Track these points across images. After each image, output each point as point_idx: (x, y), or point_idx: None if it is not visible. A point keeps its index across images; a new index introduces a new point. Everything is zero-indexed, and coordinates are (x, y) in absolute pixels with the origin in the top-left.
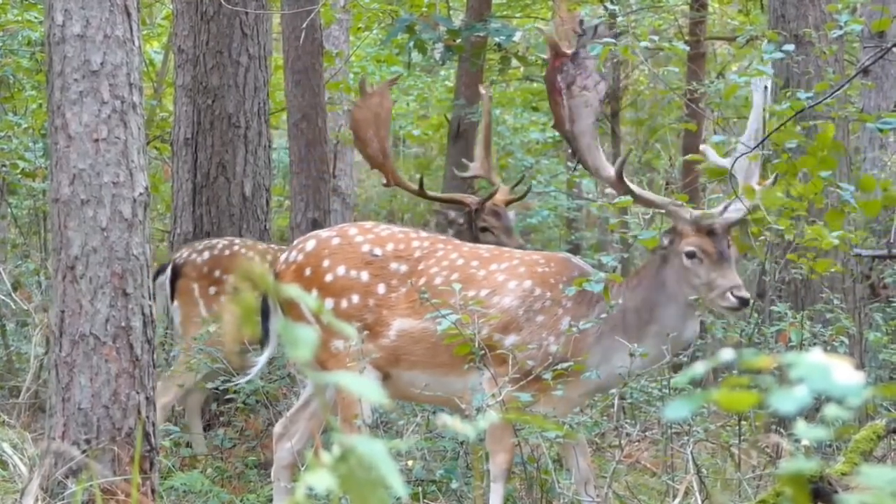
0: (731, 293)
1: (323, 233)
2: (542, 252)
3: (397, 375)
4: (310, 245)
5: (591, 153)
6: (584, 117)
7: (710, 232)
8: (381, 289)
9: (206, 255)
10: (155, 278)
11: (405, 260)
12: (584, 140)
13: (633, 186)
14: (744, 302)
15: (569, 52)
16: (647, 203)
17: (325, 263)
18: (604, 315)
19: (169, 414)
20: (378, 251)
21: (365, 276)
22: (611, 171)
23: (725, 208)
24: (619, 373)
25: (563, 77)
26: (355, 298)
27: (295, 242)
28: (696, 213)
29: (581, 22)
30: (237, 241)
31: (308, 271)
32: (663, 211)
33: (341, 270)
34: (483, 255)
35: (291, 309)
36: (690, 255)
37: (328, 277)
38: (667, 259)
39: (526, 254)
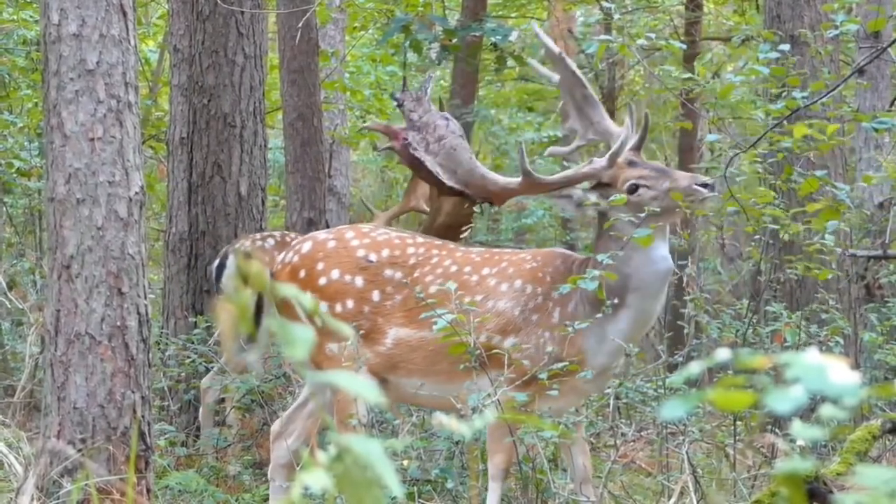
0: (694, 185)
1: (320, 234)
2: (530, 250)
3: (396, 382)
4: (306, 247)
5: (486, 178)
6: (460, 158)
7: (630, 163)
8: (376, 296)
9: (271, 241)
10: (219, 275)
11: (400, 267)
12: (475, 173)
13: (539, 176)
14: (708, 185)
15: (401, 126)
16: (562, 184)
17: (320, 266)
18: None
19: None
20: (373, 257)
21: (359, 281)
22: (510, 179)
23: (622, 143)
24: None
25: (416, 147)
26: (350, 303)
27: (293, 243)
28: (605, 157)
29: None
30: (290, 233)
31: (303, 273)
32: (582, 182)
33: (335, 274)
34: (475, 260)
35: (286, 308)
36: (632, 190)
37: (322, 281)
38: (611, 215)
39: (514, 253)
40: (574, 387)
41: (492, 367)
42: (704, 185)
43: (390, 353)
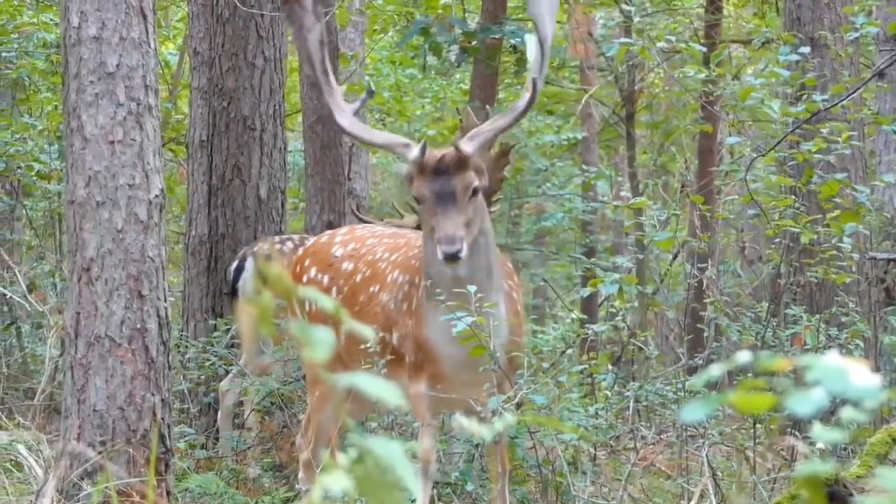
0: (439, 247)
1: (327, 231)
2: None
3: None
4: (308, 242)
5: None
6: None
7: (435, 170)
8: (334, 291)
9: (290, 244)
10: (236, 278)
11: (354, 259)
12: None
13: (353, 128)
14: (449, 256)
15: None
16: (371, 143)
17: (306, 263)
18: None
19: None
20: (339, 252)
21: (326, 278)
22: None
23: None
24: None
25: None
26: None
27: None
28: (417, 150)
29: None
30: (309, 236)
31: (297, 269)
32: (391, 151)
33: (313, 272)
34: (397, 246)
35: (287, 307)
36: (418, 202)
37: (304, 278)
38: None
39: (419, 239)
40: (459, 380)
41: (396, 365)
42: (446, 255)
43: (344, 346)
